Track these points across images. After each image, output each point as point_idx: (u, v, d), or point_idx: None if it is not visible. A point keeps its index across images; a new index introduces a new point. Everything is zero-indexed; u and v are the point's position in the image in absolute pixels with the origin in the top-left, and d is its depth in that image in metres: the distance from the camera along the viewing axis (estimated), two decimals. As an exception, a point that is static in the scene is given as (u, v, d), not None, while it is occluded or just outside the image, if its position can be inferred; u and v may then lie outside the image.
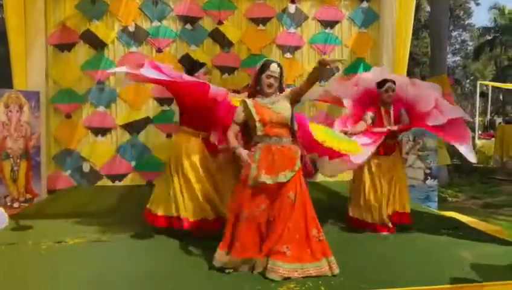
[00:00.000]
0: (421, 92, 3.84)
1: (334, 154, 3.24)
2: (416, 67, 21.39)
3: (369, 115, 3.71)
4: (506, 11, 24.85)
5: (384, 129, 3.67)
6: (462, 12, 25.39)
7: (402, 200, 3.76)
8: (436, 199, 5.66)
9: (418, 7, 16.92)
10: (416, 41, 20.14)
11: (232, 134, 2.76)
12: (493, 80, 25.16)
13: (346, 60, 6.09)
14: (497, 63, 26.80)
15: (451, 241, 3.44)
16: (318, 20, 6.21)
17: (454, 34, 26.39)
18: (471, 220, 4.30)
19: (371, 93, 3.87)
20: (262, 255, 2.59)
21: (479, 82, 14.65)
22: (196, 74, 3.49)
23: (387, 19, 6.08)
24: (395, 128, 3.71)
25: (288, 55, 6.16)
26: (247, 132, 2.81)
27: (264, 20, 6.10)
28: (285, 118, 2.71)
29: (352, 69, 6.19)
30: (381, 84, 3.75)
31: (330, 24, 6.22)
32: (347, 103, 3.92)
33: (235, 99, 3.28)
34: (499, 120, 19.10)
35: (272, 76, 2.71)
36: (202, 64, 3.72)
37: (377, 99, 3.81)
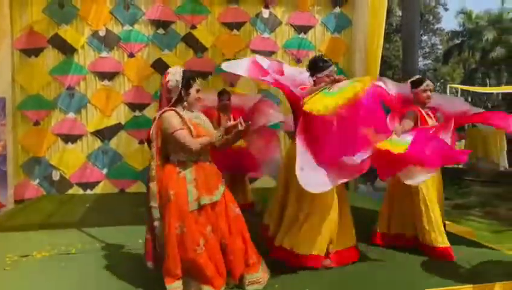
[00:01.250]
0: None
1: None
2: (388, 70, 21.82)
3: (411, 113, 3.31)
4: (473, 16, 25.64)
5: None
6: (431, 17, 26.07)
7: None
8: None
9: (389, 12, 17.29)
10: (388, 45, 20.56)
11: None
12: (461, 82, 25.90)
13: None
14: (465, 66, 27.61)
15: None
16: (291, 26, 6.24)
17: (424, 38, 27.05)
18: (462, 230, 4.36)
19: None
20: (237, 280, 2.50)
21: (448, 85, 15.03)
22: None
23: (359, 24, 6.15)
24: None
25: (262, 60, 6.14)
26: (163, 148, 2.49)
27: (237, 25, 6.08)
28: (212, 134, 2.49)
29: (326, 74, 6.27)
30: (417, 83, 3.41)
31: (303, 29, 6.25)
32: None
33: None
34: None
35: (200, 90, 2.56)
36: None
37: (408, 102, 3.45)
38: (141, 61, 5.79)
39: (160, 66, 5.70)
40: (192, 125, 2.44)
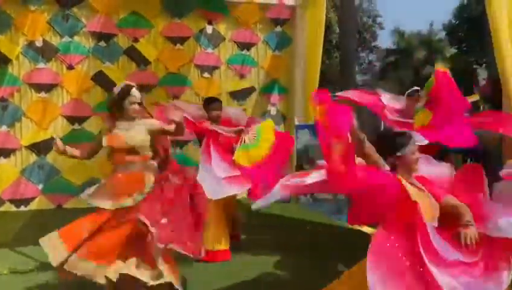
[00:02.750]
0: None
1: None
2: (329, 85, 22.69)
3: None
4: (406, 35, 27.47)
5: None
6: (369, 35, 27.52)
7: None
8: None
9: (328, 29, 18.06)
10: (328, 61, 21.41)
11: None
12: (397, 97, 27.55)
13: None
14: (401, 82, 29.41)
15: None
16: (235, 42, 6.39)
17: (362, 54, 28.45)
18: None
19: None
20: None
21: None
22: None
23: (299, 42, 6.43)
24: None
25: (206, 74, 6.24)
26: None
27: (181, 40, 6.12)
28: (135, 145, 2.83)
29: (267, 90, 6.49)
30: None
31: (246, 46, 6.42)
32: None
33: None
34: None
35: (135, 102, 2.87)
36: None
37: None
38: (81, 73, 5.65)
39: (101, 79, 5.60)
40: (107, 135, 2.81)
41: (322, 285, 2.40)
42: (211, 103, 4.30)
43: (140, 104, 2.86)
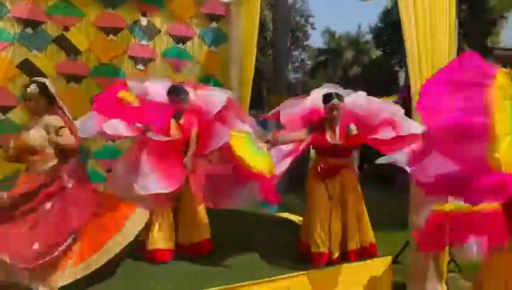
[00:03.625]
0: (372, 107, 3.68)
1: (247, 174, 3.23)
2: (263, 82, 23.12)
3: (305, 129, 3.62)
4: (336, 36, 28.75)
5: (305, 140, 3.55)
6: (301, 34, 28.40)
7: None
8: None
9: (263, 26, 18.40)
10: (263, 58, 21.81)
11: None
12: (327, 96, 28.74)
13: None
14: (330, 81, 30.69)
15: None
16: (170, 35, 6.39)
17: (295, 53, 29.31)
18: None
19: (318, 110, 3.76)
20: None
21: None
22: None
23: (234, 39, 6.59)
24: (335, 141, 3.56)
25: (140, 66, 6.18)
26: None
27: (114, 30, 6.01)
28: (33, 144, 2.96)
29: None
30: (326, 99, 3.59)
31: (182, 40, 6.46)
32: (283, 118, 3.85)
33: None
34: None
35: (27, 98, 3.06)
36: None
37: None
38: (5, 60, 5.35)
39: (28, 67, 5.35)
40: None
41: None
42: (173, 91, 4.02)
43: (48, 99, 2.98)
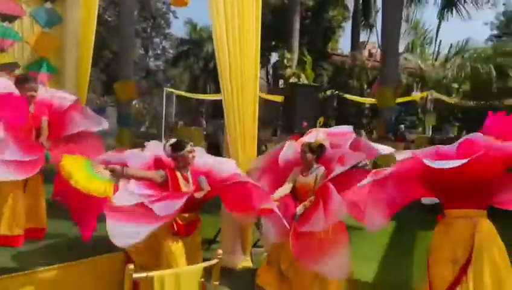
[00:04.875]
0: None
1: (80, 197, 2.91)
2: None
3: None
4: (198, 28, 29.12)
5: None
6: (163, 22, 28.05)
7: None
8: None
9: (105, 10, 17.77)
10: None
11: None
12: (189, 86, 29.04)
13: None
14: (192, 72, 31.05)
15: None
16: (-5, 12, 5.89)
17: (156, 40, 28.86)
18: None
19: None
20: None
21: (165, 89, 16.65)
22: None
23: (70, 22, 6.34)
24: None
25: (-43, 43, 5.58)
26: None
27: None
28: None
29: (35, 67, 6.20)
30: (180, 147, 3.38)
31: (8, 18, 5.98)
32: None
33: None
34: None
35: None
36: None
37: None
38: None
39: None
40: None
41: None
42: (25, 81, 4.14)
43: None
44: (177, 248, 3.10)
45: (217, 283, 2.51)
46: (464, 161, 2.72)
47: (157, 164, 3.48)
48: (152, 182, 3.16)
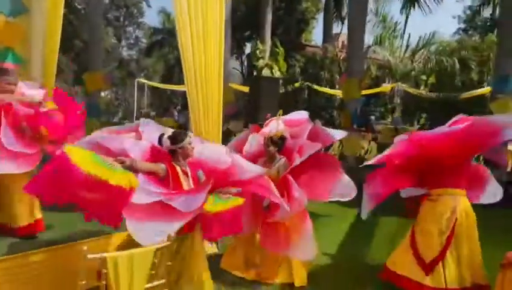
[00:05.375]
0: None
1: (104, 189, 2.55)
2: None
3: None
4: (172, 17, 28.78)
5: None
6: (136, 11, 27.69)
7: None
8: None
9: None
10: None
11: None
12: (163, 76, 28.77)
13: None
14: (166, 62, 30.77)
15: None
16: (-46, -1, 5.80)
17: (129, 29, 28.48)
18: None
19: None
20: None
21: (137, 80, 16.57)
22: None
23: (36, 11, 6.30)
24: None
25: None
26: None
27: None
28: None
29: (0, 57, 6.17)
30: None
31: (-29, 7, 5.93)
32: None
33: None
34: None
35: None
36: None
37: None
38: None
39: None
40: None
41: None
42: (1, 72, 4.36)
43: None
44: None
45: (169, 263, 2.69)
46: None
47: (155, 154, 3.18)
48: (156, 176, 2.95)
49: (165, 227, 2.63)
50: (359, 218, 6.85)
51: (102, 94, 24.08)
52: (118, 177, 2.58)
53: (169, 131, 3.24)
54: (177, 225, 2.69)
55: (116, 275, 2.30)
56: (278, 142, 4.03)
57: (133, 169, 2.80)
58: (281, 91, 15.11)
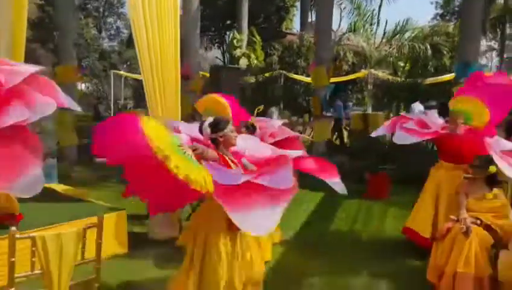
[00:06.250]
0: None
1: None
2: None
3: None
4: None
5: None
6: (116, 1, 27.43)
7: None
8: (56, 176, 6.71)
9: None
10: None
11: None
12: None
13: None
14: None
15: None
16: None
17: (109, 20, 28.21)
18: (65, 188, 5.53)
19: None
20: None
21: (112, 71, 16.47)
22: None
23: (2, 13, 6.40)
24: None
25: None
26: None
27: None
28: None
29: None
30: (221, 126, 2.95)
31: None
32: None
33: None
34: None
35: None
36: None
37: None
38: None
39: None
40: None
41: None
42: None
43: None
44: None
45: (100, 241, 2.92)
46: None
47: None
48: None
49: (271, 211, 2.49)
50: (324, 200, 7.25)
51: (83, 86, 24.08)
52: (194, 175, 2.24)
53: (210, 118, 2.96)
54: (278, 209, 2.52)
55: (45, 253, 2.53)
56: (250, 128, 4.36)
57: (202, 157, 2.62)
58: (252, 81, 15.41)
